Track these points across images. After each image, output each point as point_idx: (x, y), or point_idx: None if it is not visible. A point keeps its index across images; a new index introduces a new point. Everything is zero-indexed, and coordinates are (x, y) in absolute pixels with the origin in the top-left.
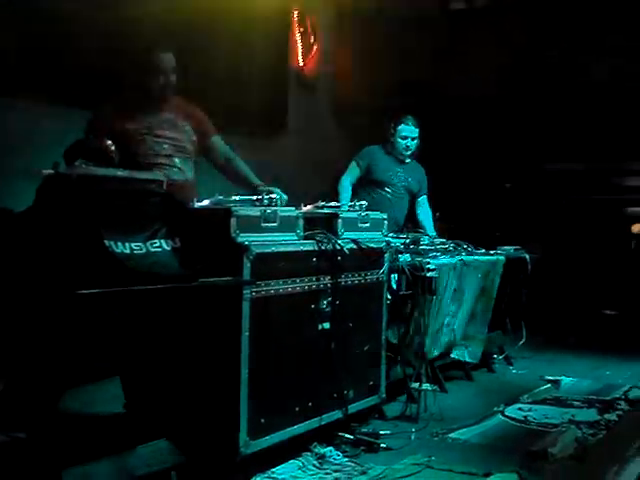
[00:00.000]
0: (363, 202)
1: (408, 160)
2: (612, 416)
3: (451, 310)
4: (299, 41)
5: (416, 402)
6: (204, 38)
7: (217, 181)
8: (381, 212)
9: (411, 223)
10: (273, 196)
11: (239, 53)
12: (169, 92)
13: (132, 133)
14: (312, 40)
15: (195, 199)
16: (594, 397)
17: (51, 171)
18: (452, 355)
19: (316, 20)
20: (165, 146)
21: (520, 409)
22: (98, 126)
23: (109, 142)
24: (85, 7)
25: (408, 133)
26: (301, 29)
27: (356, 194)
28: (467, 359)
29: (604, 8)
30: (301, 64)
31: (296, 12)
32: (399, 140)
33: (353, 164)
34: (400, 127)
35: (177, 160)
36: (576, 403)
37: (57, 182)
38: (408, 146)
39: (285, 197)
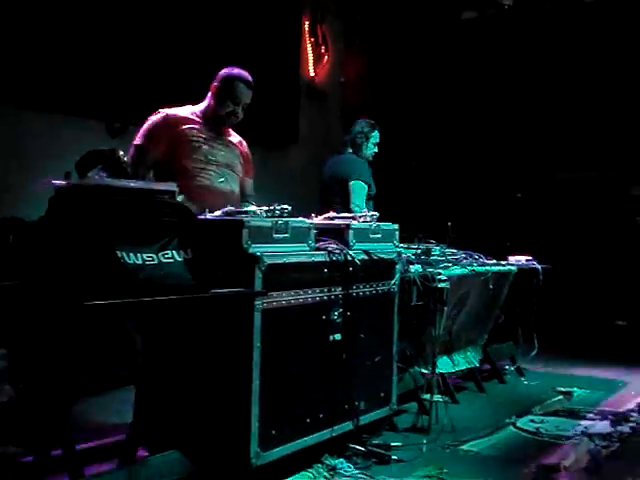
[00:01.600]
0: (375, 213)
1: None
2: (625, 428)
3: (452, 314)
4: (310, 51)
5: (427, 413)
6: (215, 47)
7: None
8: None
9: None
10: (285, 207)
11: (250, 63)
12: (232, 121)
13: (191, 138)
14: (323, 50)
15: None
16: (607, 409)
17: (63, 182)
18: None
19: (327, 30)
20: (217, 157)
21: (532, 421)
22: (159, 129)
23: (121, 153)
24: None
25: (378, 140)
26: (312, 39)
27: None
28: (464, 365)
29: None
30: (312, 74)
31: (307, 22)
32: (371, 146)
33: (362, 185)
34: (374, 134)
35: (225, 173)
36: (589, 415)
37: (70, 192)
38: (375, 152)
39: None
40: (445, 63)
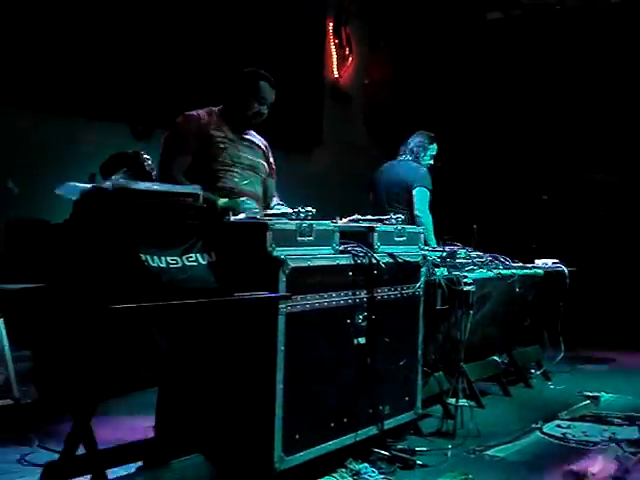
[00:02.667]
0: (399, 216)
1: None
2: None
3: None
4: (334, 53)
5: (452, 418)
6: (240, 49)
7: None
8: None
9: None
10: (310, 209)
11: (275, 64)
12: (258, 121)
13: (216, 140)
14: (347, 52)
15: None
16: (635, 414)
17: (88, 185)
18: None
19: (351, 31)
20: (242, 159)
21: (559, 426)
22: (188, 129)
23: (146, 156)
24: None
25: (435, 152)
26: (336, 41)
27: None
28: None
29: None
30: (336, 75)
31: (331, 24)
32: (428, 158)
33: (426, 192)
34: (432, 146)
35: (250, 175)
36: (616, 420)
37: (95, 195)
38: (433, 165)
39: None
40: (469, 64)
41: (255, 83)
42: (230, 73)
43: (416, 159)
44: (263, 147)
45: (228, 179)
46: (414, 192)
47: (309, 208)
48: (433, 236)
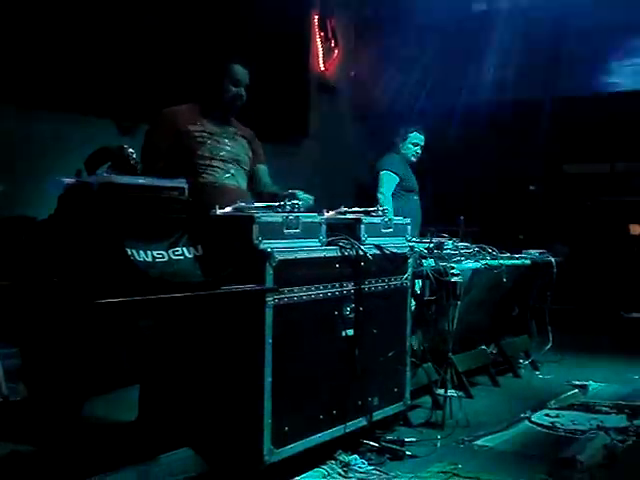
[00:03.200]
0: (386, 207)
1: None
2: None
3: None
4: (320, 45)
5: (441, 408)
6: (225, 42)
7: None
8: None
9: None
10: (295, 202)
11: (260, 58)
12: (238, 105)
13: (194, 134)
14: (332, 44)
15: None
16: (623, 402)
17: (72, 180)
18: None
19: (336, 24)
20: (223, 152)
21: (547, 415)
22: (165, 125)
23: (131, 150)
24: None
25: (419, 141)
26: (321, 33)
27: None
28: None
29: None
30: (322, 68)
31: (316, 16)
32: (410, 146)
33: (389, 175)
34: (413, 134)
35: (232, 168)
36: (604, 409)
37: (79, 190)
38: (418, 153)
39: (310, 198)
40: (455, 55)
41: (226, 67)
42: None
43: (396, 148)
44: (247, 136)
45: (209, 174)
46: (379, 176)
47: (295, 200)
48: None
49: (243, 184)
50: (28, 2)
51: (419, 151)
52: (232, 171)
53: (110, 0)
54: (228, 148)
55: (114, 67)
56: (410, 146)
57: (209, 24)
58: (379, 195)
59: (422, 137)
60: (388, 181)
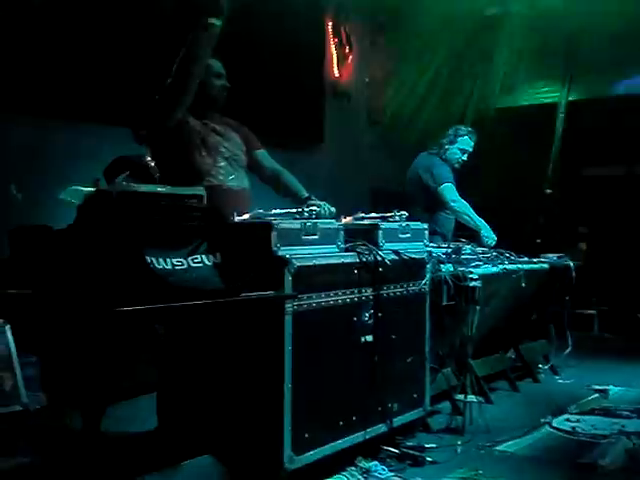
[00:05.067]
0: (404, 213)
1: None
2: None
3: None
4: (334, 52)
5: (461, 414)
6: (239, 50)
7: (263, 193)
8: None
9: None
10: (314, 208)
11: (275, 65)
12: (224, 93)
13: (190, 137)
14: (347, 50)
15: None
16: None
17: (92, 189)
18: None
19: (350, 30)
20: (221, 154)
21: (568, 420)
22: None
23: (149, 158)
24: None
25: (468, 147)
26: (336, 39)
27: (435, 212)
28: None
29: None
30: (336, 75)
31: (330, 22)
32: (457, 151)
33: (450, 185)
34: (463, 138)
35: (233, 168)
36: (625, 413)
37: (98, 199)
38: (463, 160)
39: (333, 210)
40: (467, 59)
41: (210, 66)
42: (233, 74)
43: (445, 152)
44: (238, 131)
45: (213, 176)
46: (441, 191)
47: (313, 207)
48: (476, 217)
49: (247, 184)
50: (44, 11)
51: (465, 159)
52: (235, 172)
53: (126, 7)
54: (225, 148)
55: (131, 76)
56: (457, 151)
57: (223, 32)
58: (453, 205)
59: (472, 143)
60: (452, 190)
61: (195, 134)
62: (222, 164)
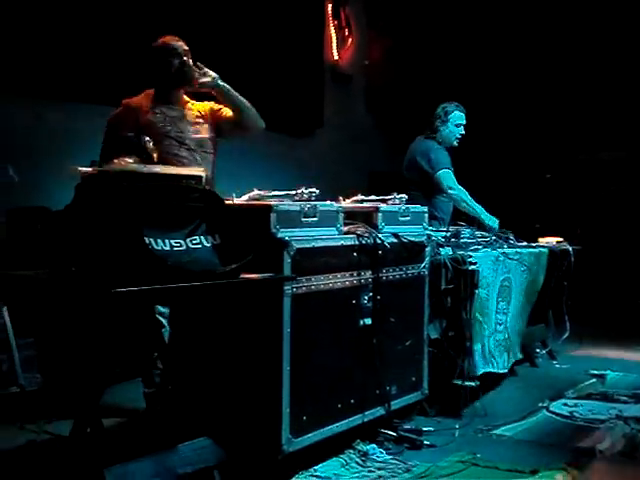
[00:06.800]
0: (403, 195)
1: None
2: None
3: (502, 307)
4: (333, 34)
5: (459, 398)
6: (238, 33)
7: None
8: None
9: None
10: (313, 190)
11: (274, 48)
12: (186, 70)
13: (157, 125)
14: (347, 33)
15: None
16: None
17: (90, 169)
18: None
19: (350, 12)
20: (187, 141)
21: (565, 404)
22: (128, 118)
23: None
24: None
25: (461, 120)
26: (335, 22)
27: (433, 197)
28: (518, 357)
29: None
30: (336, 57)
31: (330, 5)
32: (453, 128)
33: (447, 171)
34: (454, 113)
35: (198, 156)
36: (623, 398)
37: (96, 180)
38: (462, 134)
39: None
40: (470, 42)
41: (163, 47)
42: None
43: (441, 134)
44: (207, 114)
45: (175, 164)
46: (439, 177)
47: (313, 189)
48: (474, 203)
49: (209, 172)
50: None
51: (463, 132)
52: (199, 160)
53: None
54: (190, 134)
55: (127, 56)
56: (453, 128)
57: (222, 15)
58: (451, 192)
59: (463, 115)
60: (450, 177)
61: (158, 127)
62: (186, 154)
